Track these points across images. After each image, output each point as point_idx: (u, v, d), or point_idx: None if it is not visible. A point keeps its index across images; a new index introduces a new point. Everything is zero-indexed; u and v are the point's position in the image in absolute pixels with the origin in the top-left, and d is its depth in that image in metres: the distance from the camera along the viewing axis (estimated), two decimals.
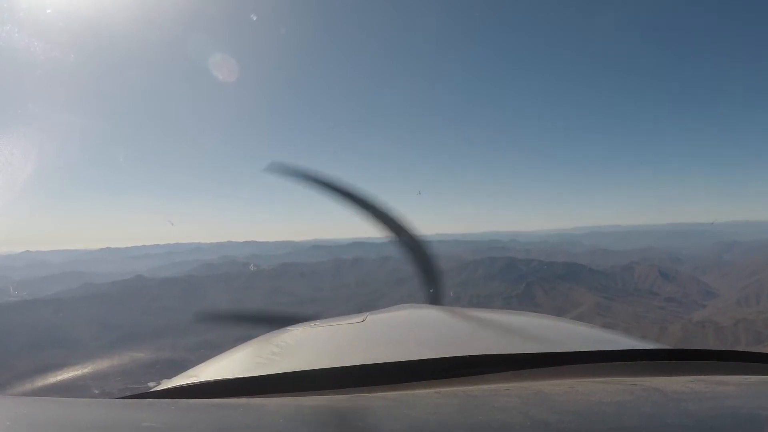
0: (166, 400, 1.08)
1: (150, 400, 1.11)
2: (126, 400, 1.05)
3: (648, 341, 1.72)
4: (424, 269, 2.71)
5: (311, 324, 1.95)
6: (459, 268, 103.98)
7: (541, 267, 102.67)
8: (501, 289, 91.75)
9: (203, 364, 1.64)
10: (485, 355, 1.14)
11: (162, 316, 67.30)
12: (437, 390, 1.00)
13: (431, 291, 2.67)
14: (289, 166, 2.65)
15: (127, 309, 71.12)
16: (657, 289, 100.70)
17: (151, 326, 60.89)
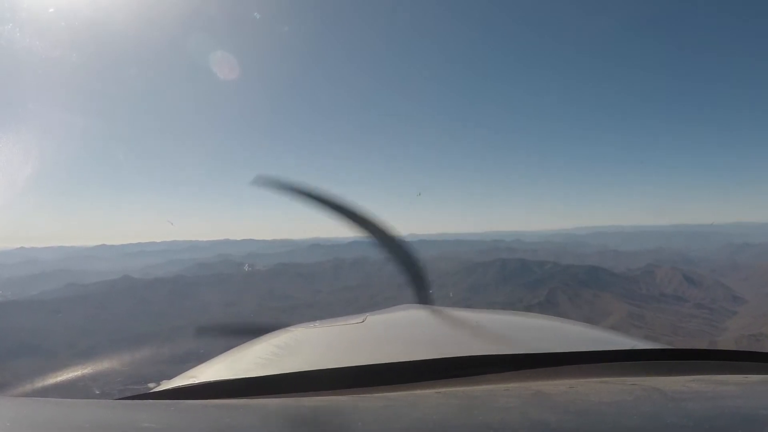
0: (166, 400, 1.11)
1: (150, 400, 1.14)
2: (126, 401, 1.06)
3: (647, 341, 1.75)
4: (410, 273, 2.80)
5: (311, 324, 2.00)
6: (467, 270, 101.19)
7: (556, 270, 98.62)
8: (519, 295, 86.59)
9: (203, 364, 1.68)
10: (485, 355, 1.16)
11: (144, 319, 64.45)
12: (437, 390, 1.02)
13: (420, 293, 2.73)
14: (276, 179, 2.70)
15: (109, 311, 69.06)
16: (683, 294, 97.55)
17: (132, 330, 58.18)
